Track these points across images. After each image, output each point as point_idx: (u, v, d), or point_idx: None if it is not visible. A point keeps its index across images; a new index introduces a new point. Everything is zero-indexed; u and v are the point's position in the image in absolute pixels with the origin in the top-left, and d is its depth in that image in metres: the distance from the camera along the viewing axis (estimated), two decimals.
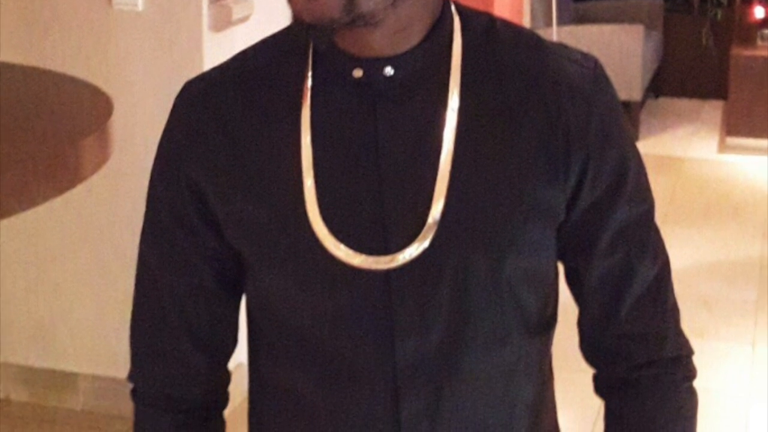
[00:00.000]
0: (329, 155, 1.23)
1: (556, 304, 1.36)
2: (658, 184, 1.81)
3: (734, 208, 5.70)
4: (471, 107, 1.23)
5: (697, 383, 1.37)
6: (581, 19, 7.52)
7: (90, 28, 3.38)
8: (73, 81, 2.24)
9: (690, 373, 1.36)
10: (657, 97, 7.85)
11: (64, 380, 3.71)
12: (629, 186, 1.29)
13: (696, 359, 1.38)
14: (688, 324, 1.38)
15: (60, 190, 1.70)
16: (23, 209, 1.64)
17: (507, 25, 1.30)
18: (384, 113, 1.22)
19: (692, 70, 7.79)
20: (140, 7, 3.31)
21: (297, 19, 1.16)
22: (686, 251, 5.02)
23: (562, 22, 6.84)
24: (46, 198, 1.67)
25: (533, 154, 1.23)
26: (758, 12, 7.07)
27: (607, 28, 6.86)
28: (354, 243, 1.22)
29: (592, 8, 7.72)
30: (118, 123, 1.96)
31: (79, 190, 1.83)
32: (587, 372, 1.40)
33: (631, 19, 7.28)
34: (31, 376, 3.74)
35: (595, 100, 1.26)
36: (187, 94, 1.31)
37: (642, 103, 7.08)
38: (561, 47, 1.31)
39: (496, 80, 1.25)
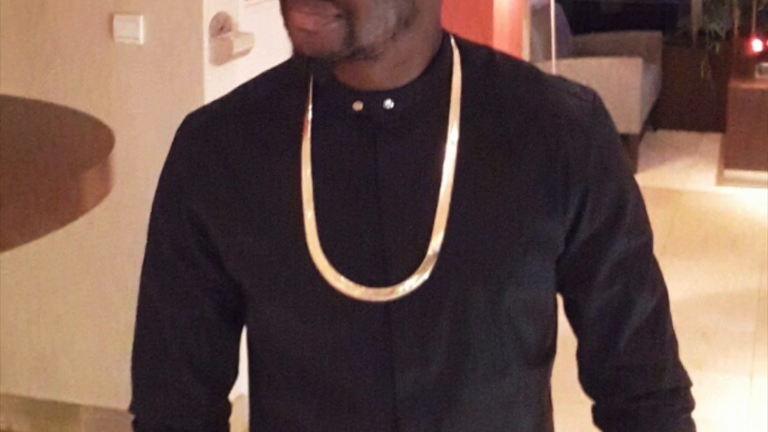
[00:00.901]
0: (329, 187, 1.24)
1: (556, 336, 1.36)
2: (656, 217, 1.81)
3: (732, 240, 5.71)
4: (471, 140, 1.24)
5: (696, 414, 1.37)
6: (580, 52, 7.54)
7: (92, 62, 3.39)
8: (75, 114, 2.24)
9: (688, 404, 1.37)
10: (655, 129, 7.86)
11: (66, 411, 3.70)
12: (628, 218, 1.29)
13: (694, 390, 1.38)
14: (686, 355, 1.38)
15: (62, 222, 1.70)
16: (25, 241, 1.64)
17: (506, 58, 1.31)
18: (384, 146, 1.23)
19: (690, 103, 7.80)
20: (142, 40, 3.32)
21: (297, 52, 1.17)
22: (685, 283, 5.02)
23: (561, 55, 6.87)
24: (48, 230, 1.67)
25: (532, 187, 1.24)
26: (756, 45, 7.09)
27: (605, 61, 6.88)
28: (354, 275, 1.23)
29: (591, 41, 7.74)
30: (119, 156, 1.97)
31: (81, 222, 1.83)
32: (586, 403, 1.40)
33: (630, 53, 7.30)
34: (32, 407, 3.73)
35: (593, 132, 1.26)
36: (188, 127, 1.32)
37: (641, 136, 7.09)
38: (560, 80, 1.32)
39: (496, 113, 1.25)
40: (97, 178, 1.81)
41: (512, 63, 1.31)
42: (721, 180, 6.74)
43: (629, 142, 6.75)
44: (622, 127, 6.48)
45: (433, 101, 1.25)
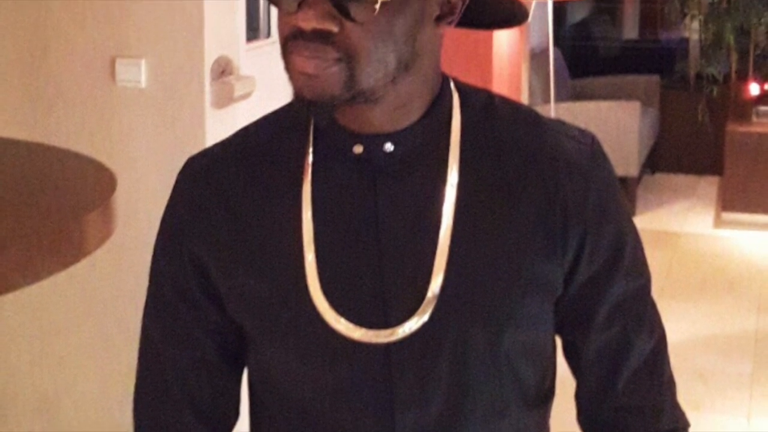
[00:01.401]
0: (330, 230, 1.24)
1: (554, 377, 1.36)
2: (654, 259, 1.82)
3: (729, 282, 5.71)
4: (470, 183, 1.25)
5: None
6: (579, 95, 7.57)
7: (94, 105, 3.40)
8: (77, 157, 2.24)
9: None
10: (653, 172, 7.88)
11: None
12: (626, 260, 1.30)
13: None
14: (684, 397, 1.38)
15: (64, 264, 1.69)
16: (28, 284, 1.63)
17: (505, 101, 1.32)
18: (384, 188, 1.24)
19: (688, 146, 7.82)
20: (143, 84, 3.33)
21: (298, 95, 1.18)
22: (682, 325, 5.03)
23: (559, 98, 6.89)
24: (50, 273, 1.66)
25: (531, 229, 1.25)
26: (753, 89, 7.11)
27: (604, 105, 6.90)
28: (354, 317, 1.23)
29: (590, 85, 7.78)
30: (121, 198, 1.97)
31: (83, 264, 1.83)
32: None
33: (628, 96, 7.33)
34: None
35: (592, 175, 1.27)
36: (190, 169, 1.33)
37: (639, 179, 7.11)
38: (559, 123, 1.33)
39: (495, 156, 1.26)
40: (100, 221, 1.81)
41: (511, 106, 1.32)
42: (718, 222, 6.74)
43: (627, 185, 6.76)
44: (620, 170, 6.50)
45: (433, 144, 1.25)
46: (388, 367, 1.24)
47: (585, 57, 8.64)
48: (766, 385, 4.51)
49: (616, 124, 6.72)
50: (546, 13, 6.26)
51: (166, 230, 1.34)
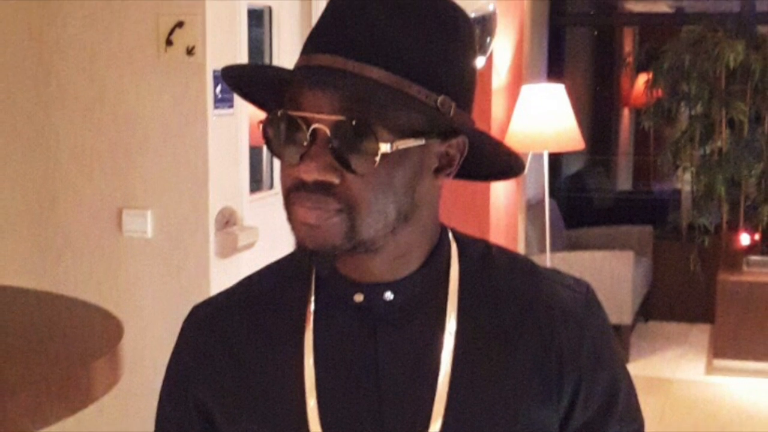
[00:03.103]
0: (331, 376, 1.26)
1: None
2: (647, 405, 1.85)
3: (721, 428, 5.67)
4: (468, 330, 1.27)
5: None
6: (574, 245, 7.59)
7: (101, 255, 3.43)
8: (85, 305, 2.27)
9: None
10: (647, 320, 7.86)
11: None
12: (620, 406, 1.32)
13: None
14: None
15: (72, 410, 1.71)
16: (37, 429, 1.65)
17: (502, 251, 1.35)
18: (384, 336, 1.26)
19: (680, 295, 7.81)
20: (149, 234, 3.37)
21: (300, 245, 1.21)
22: None
23: (555, 248, 6.92)
24: (58, 418, 1.68)
25: (528, 376, 1.26)
26: (744, 239, 7.14)
27: (598, 255, 6.93)
28: None
29: (584, 235, 7.81)
30: (128, 345, 2.00)
31: (91, 410, 1.85)
32: None
33: (622, 246, 7.36)
34: None
35: (587, 324, 1.30)
36: (195, 318, 1.35)
37: (632, 327, 7.09)
38: (554, 273, 1.35)
39: (492, 304, 1.29)
40: (107, 368, 1.83)
41: (508, 256, 1.34)
42: (710, 369, 6.71)
43: (621, 333, 6.75)
44: (614, 318, 6.52)
45: (432, 293, 1.28)
46: None
47: (580, 208, 8.69)
48: None
49: (610, 273, 6.74)
50: (542, 165, 6.35)
51: (172, 377, 1.36)
